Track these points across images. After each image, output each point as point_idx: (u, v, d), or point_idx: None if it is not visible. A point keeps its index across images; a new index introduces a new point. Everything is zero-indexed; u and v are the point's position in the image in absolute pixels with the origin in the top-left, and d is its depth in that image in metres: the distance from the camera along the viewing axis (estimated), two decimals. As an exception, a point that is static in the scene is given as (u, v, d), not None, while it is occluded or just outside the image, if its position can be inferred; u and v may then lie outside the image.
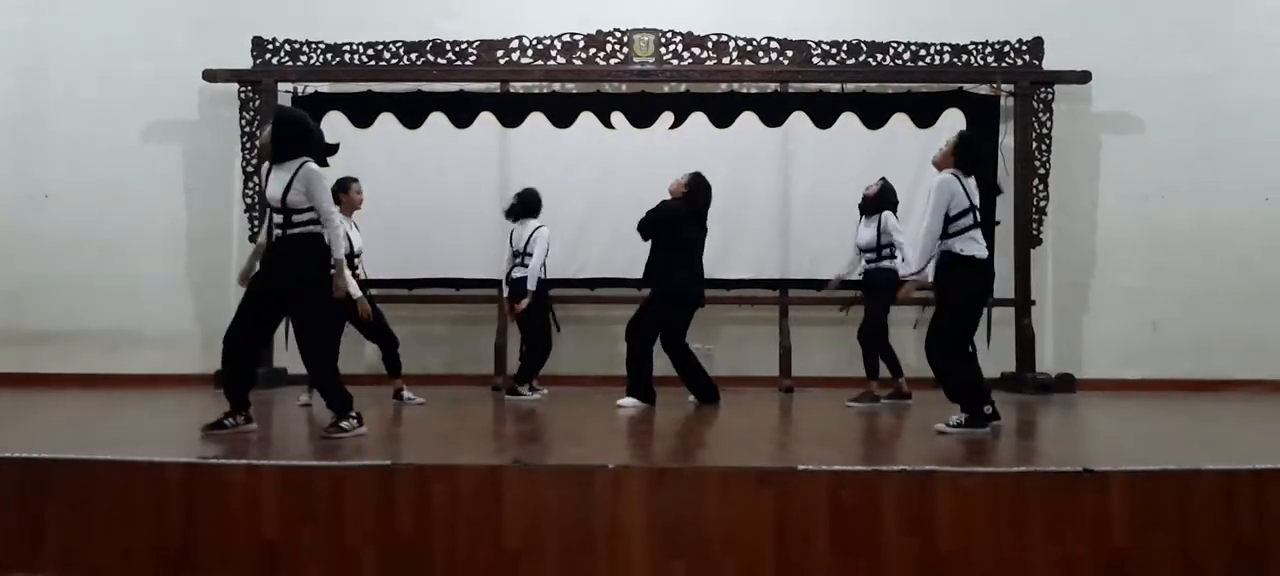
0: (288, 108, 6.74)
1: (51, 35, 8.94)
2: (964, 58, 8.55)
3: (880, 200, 7.07)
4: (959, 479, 4.01)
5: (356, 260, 6.83)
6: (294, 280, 4.97)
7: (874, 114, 8.53)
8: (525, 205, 7.50)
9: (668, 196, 6.93)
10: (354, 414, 5.03)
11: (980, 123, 8.37)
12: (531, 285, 7.33)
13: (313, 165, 5.01)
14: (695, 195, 6.89)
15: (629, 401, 6.68)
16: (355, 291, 6.41)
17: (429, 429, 5.80)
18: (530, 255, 7.36)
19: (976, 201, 5.34)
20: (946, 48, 8.54)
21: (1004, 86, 8.48)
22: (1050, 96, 8.54)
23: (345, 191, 6.75)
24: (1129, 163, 8.72)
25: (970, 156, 5.39)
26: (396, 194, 8.22)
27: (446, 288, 8.54)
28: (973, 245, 5.25)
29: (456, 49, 8.61)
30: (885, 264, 7.01)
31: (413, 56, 8.61)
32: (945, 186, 5.25)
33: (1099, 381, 8.49)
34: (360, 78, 8.61)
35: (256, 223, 8.50)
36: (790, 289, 8.53)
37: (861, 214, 7.18)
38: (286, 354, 8.37)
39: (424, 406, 6.84)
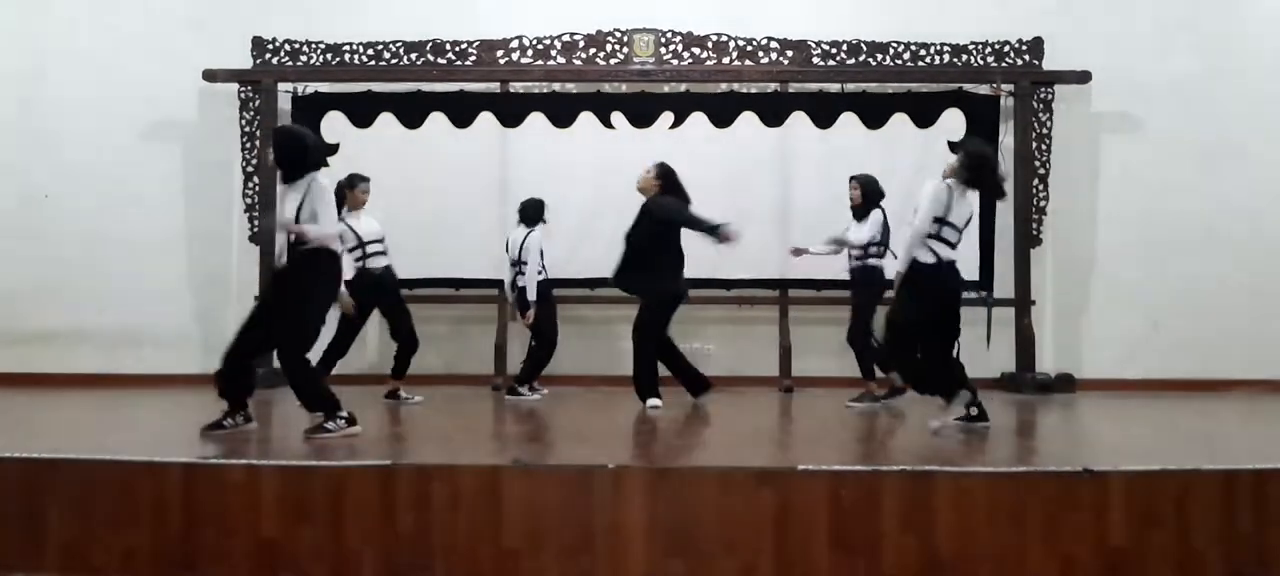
0: (283, 127, 6.70)
1: (51, 35, 8.93)
2: (964, 58, 8.54)
3: (867, 201, 7.02)
4: (958, 479, 4.01)
5: (378, 247, 6.96)
6: (299, 292, 5.03)
7: (874, 114, 8.52)
8: (523, 212, 7.55)
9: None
10: (344, 414, 5.02)
11: (980, 122, 8.38)
12: (532, 295, 7.34)
13: (321, 180, 5.08)
14: (675, 185, 6.80)
15: (656, 402, 6.61)
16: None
17: (429, 429, 5.81)
18: (525, 263, 7.39)
19: (963, 215, 5.37)
20: (946, 48, 8.54)
21: (1004, 86, 8.47)
22: (1050, 96, 8.54)
23: (351, 188, 6.81)
24: (1129, 162, 8.71)
25: (977, 176, 5.37)
26: (396, 194, 8.18)
27: (446, 287, 8.54)
28: (930, 253, 5.31)
29: (456, 49, 8.61)
30: (871, 262, 6.97)
31: (413, 56, 8.61)
32: (938, 193, 5.31)
33: (1099, 381, 8.48)
34: (360, 78, 8.61)
35: (256, 222, 8.52)
36: (790, 289, 8.53)
37: (855, 219, 7.12)
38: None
39: (423, 405, 6.84)
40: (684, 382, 6.93)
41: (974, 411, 5.34)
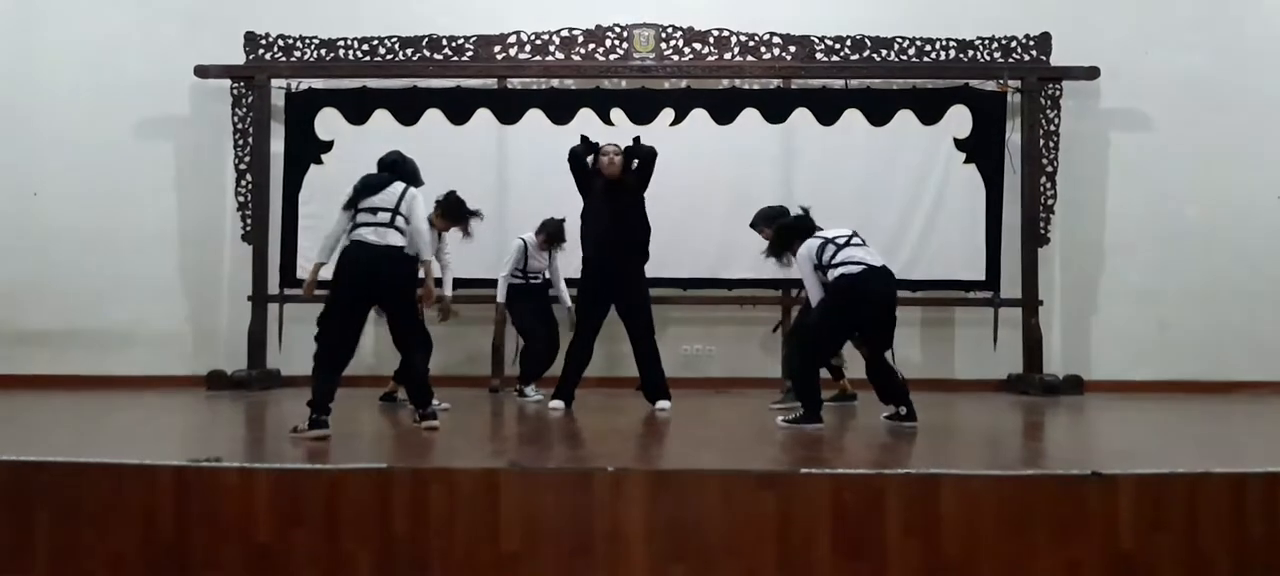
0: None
1: (42, 31, 8.86)
2: (970, 53, 8.46)
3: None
4: (964, 481, 3.94)
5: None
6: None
7: (878, 110, 8.44)
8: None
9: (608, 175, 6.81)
10: (314, 417, 4.97)
11: (987, 119, 8.31)
12: (500, 295, 7.60)
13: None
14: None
15: (667, 404, 6.58)
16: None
17: (425, 430, 5.72)
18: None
19: (835, 234, 5.78)
20: (952, 43, 8.45)
21: (1011, 82, 8.39)
22: (1058, 93, 8.45)
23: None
24: (1138, 160, 8.63)
25: (787, 242, 5.98)
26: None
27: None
28: (842, 270, 5.61)
29: (453, 44, 8.53)
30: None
31: (408, 52, 8.54)
32: (801, 260, 5.79)
33: (1107, 382, 8.40)
34: (355, 74, 8.53)
35: (249, 220, 8.45)
36: (791, 289, 8.44)
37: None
38: (279, 356, 8.34)
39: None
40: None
41: (903, 410, 5.65)
